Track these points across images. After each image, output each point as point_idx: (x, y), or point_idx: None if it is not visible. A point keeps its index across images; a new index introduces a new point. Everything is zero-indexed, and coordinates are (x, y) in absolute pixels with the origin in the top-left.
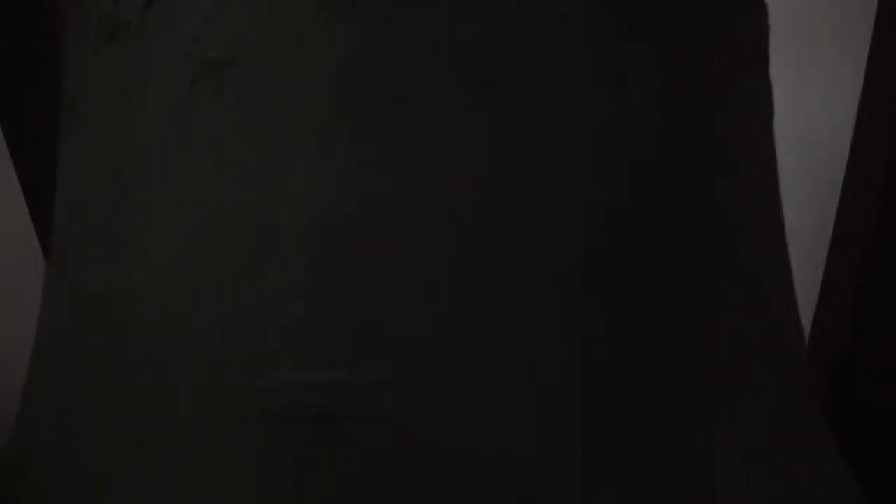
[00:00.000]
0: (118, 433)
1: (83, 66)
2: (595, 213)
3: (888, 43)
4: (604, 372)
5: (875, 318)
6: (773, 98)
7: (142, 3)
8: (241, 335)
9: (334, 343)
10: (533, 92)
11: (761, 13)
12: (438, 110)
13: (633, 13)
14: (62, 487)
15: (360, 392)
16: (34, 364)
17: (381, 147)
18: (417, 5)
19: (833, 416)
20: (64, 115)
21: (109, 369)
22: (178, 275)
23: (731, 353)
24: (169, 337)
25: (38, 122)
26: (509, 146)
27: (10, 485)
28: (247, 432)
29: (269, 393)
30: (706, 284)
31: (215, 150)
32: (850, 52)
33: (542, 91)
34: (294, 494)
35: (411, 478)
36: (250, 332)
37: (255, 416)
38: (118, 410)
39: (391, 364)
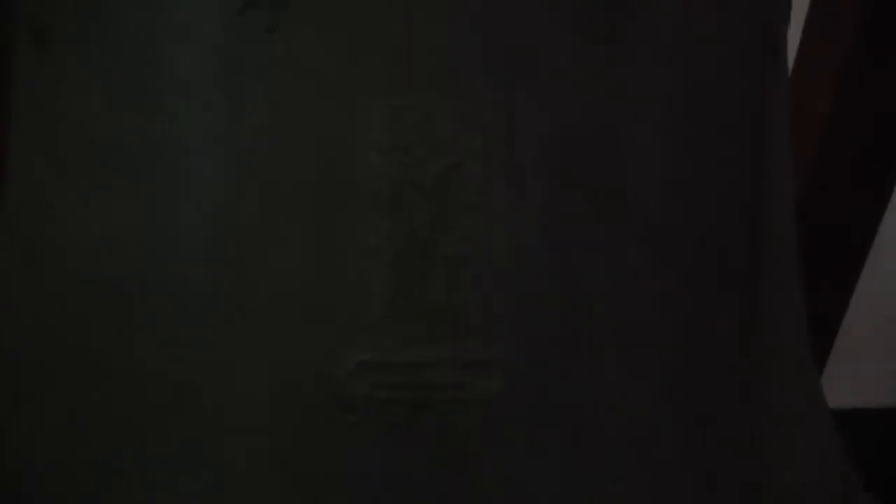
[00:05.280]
0: (134, 431)
1: None
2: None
3: None
4: (704, 337)
5: None
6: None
7: None
8: (308, 309)
9: (423, 318)
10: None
11: None
12: (530, 44)
13: None
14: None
15: (450, 374)
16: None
17: (472, 98)
18: None
19: None
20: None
21: (127, 353)
22: (221, 233)
23: None
24: (210, 310)
25: None
26: (607, 95)
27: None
28: (312, 428)
29: (342, 380)
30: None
31: (271, 92)
32: None
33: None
34: (372, 496)
35: (511, 464)
36: (319, 306)
37: (322, 408)
38: (142, 406)
39: (483, 341)
